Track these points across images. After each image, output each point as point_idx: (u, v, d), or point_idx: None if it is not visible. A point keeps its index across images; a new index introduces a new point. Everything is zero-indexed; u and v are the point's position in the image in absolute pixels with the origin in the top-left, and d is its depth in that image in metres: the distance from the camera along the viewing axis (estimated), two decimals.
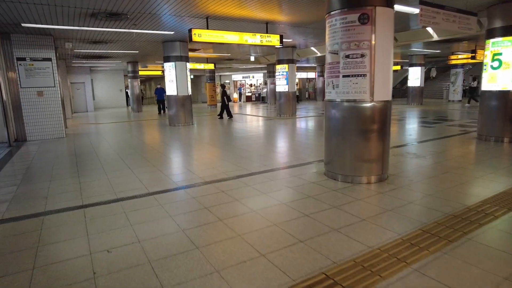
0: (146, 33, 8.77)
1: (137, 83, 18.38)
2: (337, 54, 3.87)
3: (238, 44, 7.37)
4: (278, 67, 12.67)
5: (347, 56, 3.79)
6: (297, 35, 9.88)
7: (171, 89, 10.57)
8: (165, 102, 14.58)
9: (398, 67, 23.80)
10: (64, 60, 14.85)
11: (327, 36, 4.07)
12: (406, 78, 27.96)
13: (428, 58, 19.15)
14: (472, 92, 16.63)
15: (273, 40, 7.62)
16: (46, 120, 8.46)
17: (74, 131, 10.22)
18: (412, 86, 18.01)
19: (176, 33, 8.75)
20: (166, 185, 4.09)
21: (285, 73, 12.51)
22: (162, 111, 16.53)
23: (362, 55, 3.72)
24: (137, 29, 8.08)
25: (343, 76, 3.86)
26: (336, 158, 4.11)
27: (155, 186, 4.07)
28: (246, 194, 3.68)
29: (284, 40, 9.11)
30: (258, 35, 7.42)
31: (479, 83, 17.00)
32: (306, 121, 11.58)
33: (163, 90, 15.75)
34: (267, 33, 7.65)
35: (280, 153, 6.04)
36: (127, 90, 22.36)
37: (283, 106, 12.90)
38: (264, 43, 7.51)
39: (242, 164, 5.07)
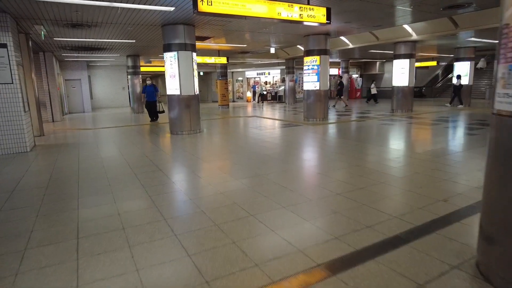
0: (136, 10, 6.41)
1: (138, 80, 16.14)
2: None
3: (267, 21, 4.96)
4: (307, 59, 10.17)
5: None
6: (340, 15, 7.38)
7: (172, 87, 8.20)
8: (158, 105, 11.53)
9: (433, 63, 20.93)
10: (52, 52, 12.68)
11: None
12: (437, 76, 25.12)
13: (478, 52, 16.31)
14: (457, 91, 14.57)
15: (318, 14, 5.15)
16: None
17: (49, 140, 7.97)
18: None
19: (178, 9, 6.37)
20: None
21: (315, 67, 10.00)
22: (154, 118, 11.56)
23: None
24: (121, 3, 5.74)
25: None
26: None
27: None
28: None
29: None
30: (296, 6, 4.95)
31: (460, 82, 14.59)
32: (346, 128, 9.07)
33: (154, 87, 11.26)
34: (308, 4, 5.17)
35: (343, 195, 3.57)
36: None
37: (312, 108, 10.39)
38: (305, 18, 5.04)
39: (285, 230, 2.66)
